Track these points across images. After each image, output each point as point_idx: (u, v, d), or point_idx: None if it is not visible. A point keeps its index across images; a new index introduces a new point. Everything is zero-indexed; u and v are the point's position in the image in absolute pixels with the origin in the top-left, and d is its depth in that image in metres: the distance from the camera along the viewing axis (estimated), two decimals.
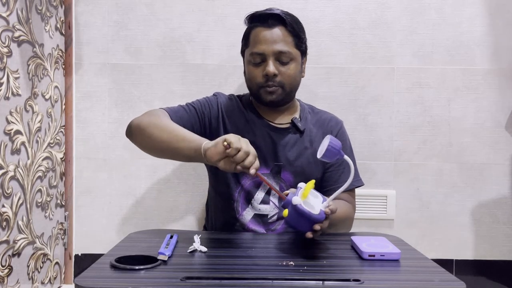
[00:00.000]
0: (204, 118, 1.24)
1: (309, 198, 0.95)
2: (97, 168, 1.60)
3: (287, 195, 0.97)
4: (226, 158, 0.96)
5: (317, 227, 0.94)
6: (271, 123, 1.26)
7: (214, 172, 1.28)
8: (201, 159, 1.01)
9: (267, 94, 1.21)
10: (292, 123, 1.26)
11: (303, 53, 1.25)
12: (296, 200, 0.92)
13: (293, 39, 1.21)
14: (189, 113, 1.22)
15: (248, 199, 1.23)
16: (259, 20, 1.22)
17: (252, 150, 0.97)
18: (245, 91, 1.32)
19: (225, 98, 1.29)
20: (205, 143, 1.01)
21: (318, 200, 0.98)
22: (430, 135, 1.58)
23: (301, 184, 0.99)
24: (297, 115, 1.29)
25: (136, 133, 1.14)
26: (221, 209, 1.27)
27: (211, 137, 1.22)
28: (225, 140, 0.95)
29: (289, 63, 1.20)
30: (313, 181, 0.97)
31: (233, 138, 0.95)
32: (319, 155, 0.94)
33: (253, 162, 0.96)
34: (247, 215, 1.22)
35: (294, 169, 1.23)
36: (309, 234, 0.95)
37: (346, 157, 0.94)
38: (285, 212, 0.94)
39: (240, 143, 0.95)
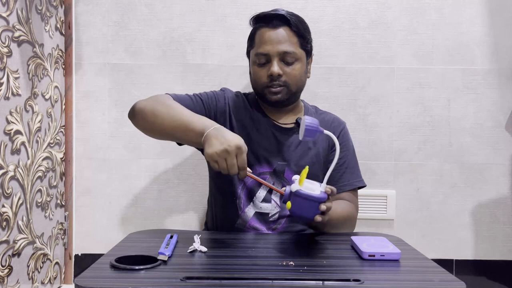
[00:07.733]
0: (210, 111, 1.23)
1: (306, 186, 0.95)
2: (97, 168, 1.60)
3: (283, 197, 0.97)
4: None
5: (323, 207, 0.94)
6: (276, 123, 1.26)
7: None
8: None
9: (272, 94, 1.21)
10: (297, 123, 1.26)
11: (308, 53, 1.25)
12: (295, 186, 0.93)
13: (298, 39, 1.21)
14: (195, 103, 1.22)
15: (250, 197, 1.22)
16: (264, 20, 1.22)
17: (239, 161, 0.97)
18: (246, 91, 1.31)
19: (232, 94, 1.29)
20: (204, 136, 1.01)
21: (315, 185, 0.97)
22: (430, 135, 1.58)
23: (295, 177, 0.99)
24: (301, 115, 1.29)
25: (138, 116, 1.14)
26: (222, 205, 1.26)
27: None
28: (211, 157, 0.96)
29: (294, 63, 1.20)
30: (307, 167, 0.96)
31: (216, 157, 0.96)
32: (300, 137, 0.95)
33: (236, 173, 0.97)
34: (249, 212, 1.22)
35: (298, 169, 1.22)
36: (317, 218, 0.94)
37: (326, 131, 0.96)
38: (288, 204, 0.94)
39: (220, 163, 0.96)
